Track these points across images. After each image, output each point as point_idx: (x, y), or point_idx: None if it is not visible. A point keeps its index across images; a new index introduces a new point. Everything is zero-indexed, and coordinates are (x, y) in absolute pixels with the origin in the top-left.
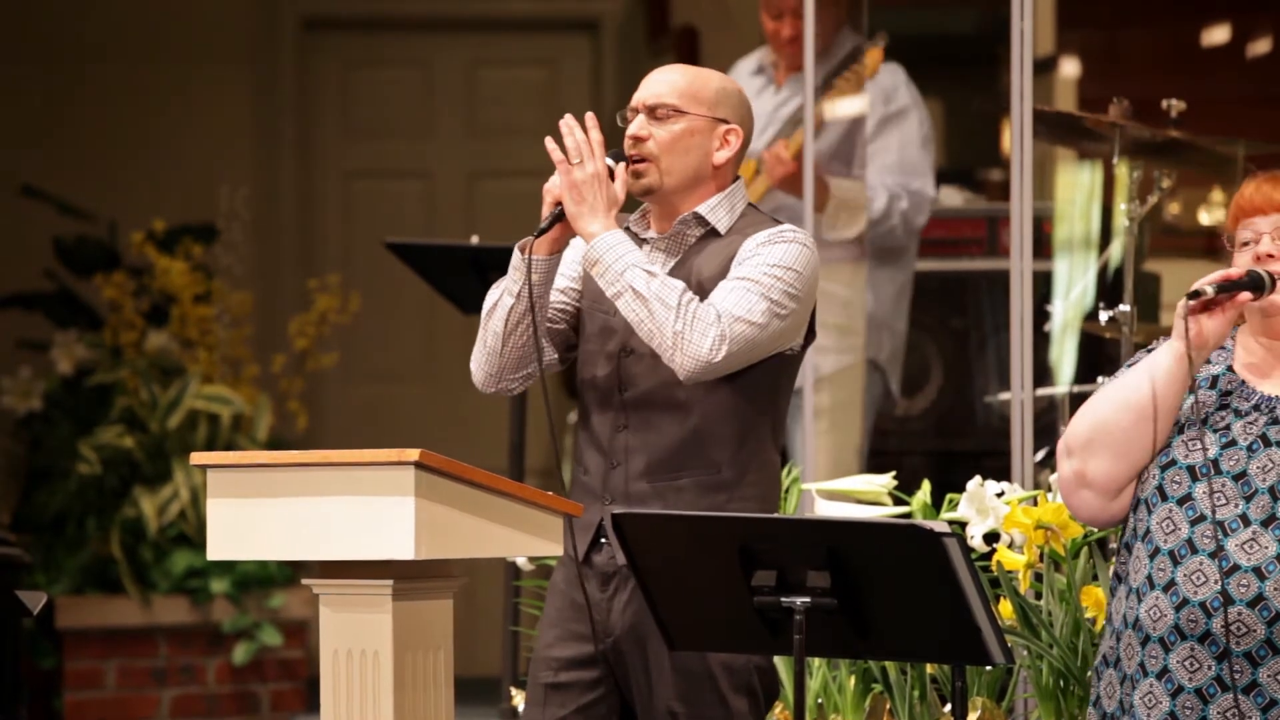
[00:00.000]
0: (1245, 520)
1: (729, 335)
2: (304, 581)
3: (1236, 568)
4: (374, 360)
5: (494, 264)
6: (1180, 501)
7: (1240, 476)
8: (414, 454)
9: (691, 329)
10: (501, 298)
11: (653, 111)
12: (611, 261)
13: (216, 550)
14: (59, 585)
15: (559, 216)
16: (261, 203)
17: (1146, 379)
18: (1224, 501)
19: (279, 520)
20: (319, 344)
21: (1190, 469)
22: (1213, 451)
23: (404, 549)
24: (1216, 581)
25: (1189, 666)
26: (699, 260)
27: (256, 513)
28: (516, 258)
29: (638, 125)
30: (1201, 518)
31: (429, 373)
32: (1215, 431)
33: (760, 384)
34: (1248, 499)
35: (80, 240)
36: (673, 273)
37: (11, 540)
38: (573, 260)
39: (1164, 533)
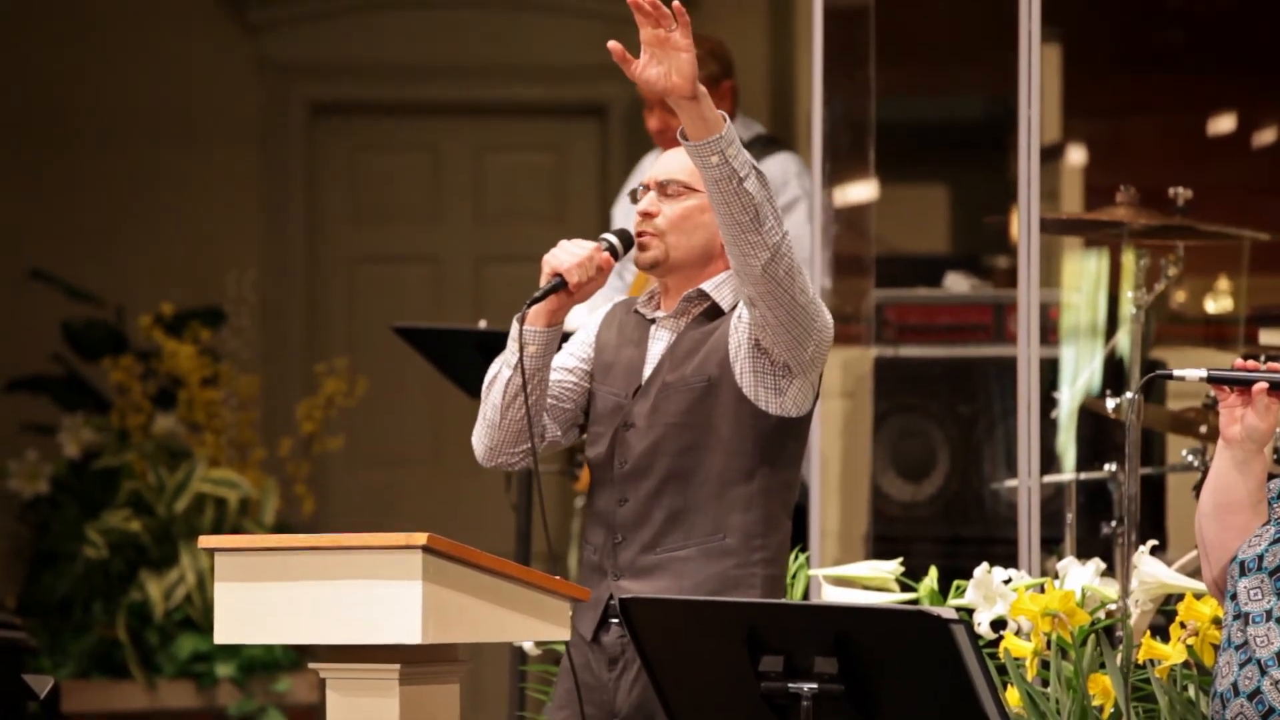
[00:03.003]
0: (1269, 615)
1: (795, 262)
2: (311, 665)
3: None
4: (381, 444)
5: (501, 348)
6: (1232, 597)
7: (1276, 572)
8: (421, 538)
9: (781, 227)
10: (501, 370)
11: (663, 188)
12: (738, 150)
13: (224, 634)
14: (65, 669)
15: (555, 287)
16: (269, 287)
17: (1208, 483)
18: (1260, 596)
19: (286, 604)
20: (326, 428)
21: (1241, 564)
22: (1261, 547)
23: (411, 633)
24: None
25: None
26: (697, 335)
27: (264, 596)
28: (515, 329)
29: (647, 201)
30: (1240, 613)
31: (436, 457)
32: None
33: (762, 448)
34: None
35: (88, 324)
36: (672, 347)
37: (17, 624)
38: (583, 341)
39: (1221, 628)
